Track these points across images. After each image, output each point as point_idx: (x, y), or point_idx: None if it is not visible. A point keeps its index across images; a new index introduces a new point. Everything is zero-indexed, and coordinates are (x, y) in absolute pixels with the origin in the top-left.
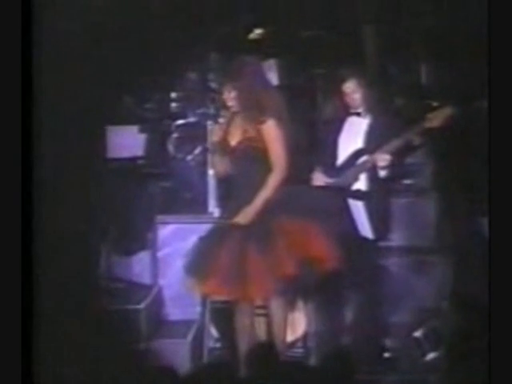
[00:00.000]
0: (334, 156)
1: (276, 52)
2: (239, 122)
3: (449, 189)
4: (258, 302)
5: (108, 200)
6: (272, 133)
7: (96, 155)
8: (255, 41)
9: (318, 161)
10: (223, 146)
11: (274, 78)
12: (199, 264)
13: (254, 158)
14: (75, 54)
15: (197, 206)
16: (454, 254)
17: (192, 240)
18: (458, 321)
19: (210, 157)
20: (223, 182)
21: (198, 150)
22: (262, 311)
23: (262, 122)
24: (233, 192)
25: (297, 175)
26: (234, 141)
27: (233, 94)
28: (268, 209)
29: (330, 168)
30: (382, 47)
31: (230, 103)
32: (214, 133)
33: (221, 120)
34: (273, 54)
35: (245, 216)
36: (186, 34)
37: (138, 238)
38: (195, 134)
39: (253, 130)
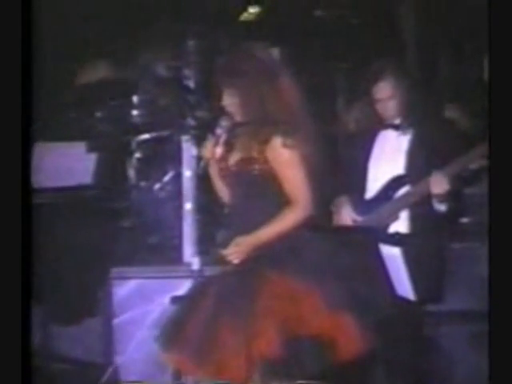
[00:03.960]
0: (362, 184)
1: (278, 39)
2: (241, 135)
3: None
4: None
5: (42, 246)
6: (281, 155)
7: (24, 183)
8: (248, 23)
9: (339, 191)
10: (219, 165)
11: None
12: (167, 335)
13: (254, 186)
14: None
15: (167, 255)
16: None
17: (160, 302)
18: None
19: (187, 183)
20: (208, 218)
21: (169, 176)
22: None
23: (265, 141)
24: (221, 232)
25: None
26: (232, 159)
27: (232, 99)
28: (260, 257)
29: (357, 201)
30: (429, 34)
31: (228, 110)
32: (207, 146)
33: (218, 130)
34: (273, 41)
35: (238, 248)
36: (153, 12)
37: (85, 299)
38: (166, 154)
39: (255, 149)
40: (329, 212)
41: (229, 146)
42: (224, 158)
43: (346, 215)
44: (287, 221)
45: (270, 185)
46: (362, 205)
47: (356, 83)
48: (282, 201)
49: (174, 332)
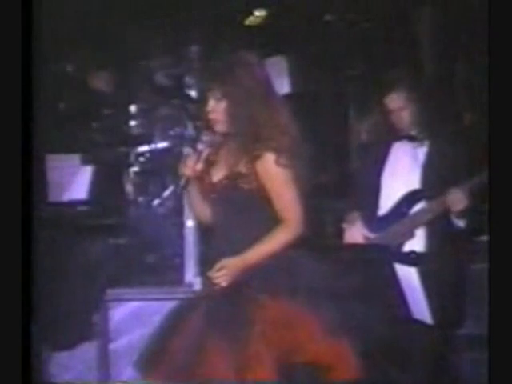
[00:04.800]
0: (375, 200)
1: (285, 44)
2: (227, 150)
3: None
4: None
5: (34, 265)
6: (273, 172)
7: (13, 199)
8: (254, 27)
9: (350, 207)
10: (201, 182)
11: (281, 82)
12: (147, 360)
13: (241, 204)
14: None
15: (168, 275)
16: None
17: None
18: None
19: (186, 199)
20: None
21: (169, 191)
22: None
23: (257, 157)
24: (210, 252)
25: (315, 227)
26: (216, 176)
27: (220, 106)
28: (251, 279)
29: (369, 218)
30: (444, 39)
31: (214, 120)
32: (188, 163)
33: (199, 145)
34: (281, 47)
35: (224, 271)
36: (153, 16)
37: (79, 323)
38: (165, 167)
39: (244, 165)
40: (336, 231)
41: (212, 162)
42: (207, 173)
43: (358, 232)
44: (277, 241)
45: (258, 202)
46: (375, 221)
47: (368, 92)
48: (271, 219)
49: (154, 356)
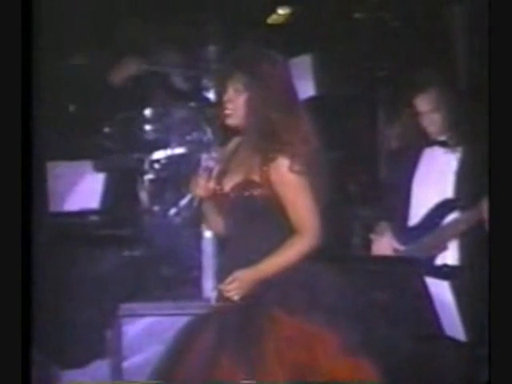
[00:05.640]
0: (405, 209)
1: (310, 44)
2: (240, 155)
3: None
4: None
5: (41, 278)
6: (287, 179)
7: (21, 208)
8: (277, 26)
9: (378, 216)
10: (212, 193)
11: (306, 84)
12: (165, 376)
13: (255, 213)
14: None
15: (184, 289)
16: None
17: None
18: None
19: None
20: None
21: (186, 200)
22: None
23: (270, 160)
24: (224, 264)
25: (341, 238)
26: (228, 185)
27: (239, 98)
28: (265, 292)
29: (399, 228)
30: (480, 37)
31: (230, 113)
32: (200, 182)
33: (210, 162)
34: (305, 46)
35: (237, 284)
36: (168, 12)
37: (91, 339)
38: (182, 174)
39: (256, 172)
40: (341, 242)
41: (223, 171)
42: (218, 183)
43: (387, 244)
44: (292, 252)
45: (272, 212)
46: (405, 232)
47: (397, 94)
48: (286, 229)
49: (168, 374)
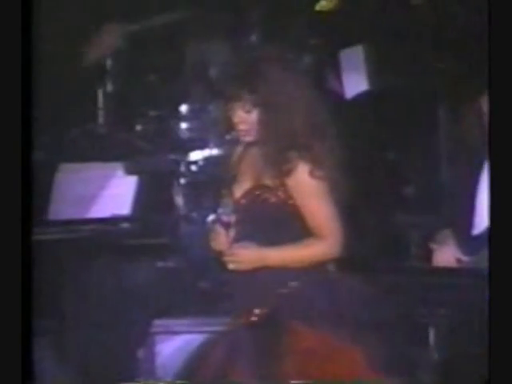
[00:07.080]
0: (469, 217)
1: (362, 33)
2: (251, 159)
3: None
4: None
5: (69, 292)
6: (306, 185)
7: (44, 213)
8: (326, 14)
9: (439, 224)
10: (225, 197)
11: (357, 78)
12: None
13: (269, 220)
14: None
15: (224, 303)
16: None
17: None
18: None
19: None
20: None
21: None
22: None
23: (288, 172)
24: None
25: (398, 246)
26: (238, 191)
27: (250, 117)
28: (285, 306)
29: (462, 237)
30: None
31: (243, 131)
32: (220, 239)
33: (225, 217)
34: (357, 36)
35: (244, 251)
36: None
37: (122, 359)
38: (221, 177)
39: (270, 176)
40: (408, 251)
41: (233, 177)
42: (228, 190)
43: (449, 254)
44: (306, 252)
45: (288, 218)
46: (469, 241)
47: (460, 90)
48: (302, 237)
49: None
